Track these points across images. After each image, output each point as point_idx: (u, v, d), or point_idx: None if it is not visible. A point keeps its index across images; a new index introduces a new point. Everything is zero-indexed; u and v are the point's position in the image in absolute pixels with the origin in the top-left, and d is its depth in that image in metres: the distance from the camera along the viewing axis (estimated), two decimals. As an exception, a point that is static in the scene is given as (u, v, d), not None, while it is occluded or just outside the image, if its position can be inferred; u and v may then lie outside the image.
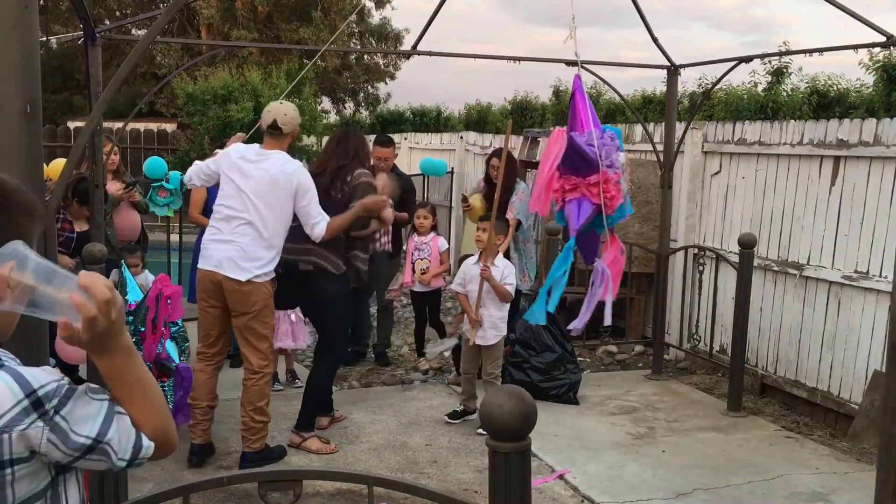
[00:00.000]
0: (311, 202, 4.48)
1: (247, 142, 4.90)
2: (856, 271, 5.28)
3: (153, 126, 17.42)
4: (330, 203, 4.74)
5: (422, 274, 6.36)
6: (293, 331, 5.80)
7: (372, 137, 6.94)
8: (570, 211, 3.88)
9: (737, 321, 5.56)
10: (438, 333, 6.68)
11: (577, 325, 4.66)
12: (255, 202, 4.37)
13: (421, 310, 6.62)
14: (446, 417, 5.26)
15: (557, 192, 3.89)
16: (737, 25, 50.63)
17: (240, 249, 4.34)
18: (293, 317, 5.83)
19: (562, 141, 3.70)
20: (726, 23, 52.10)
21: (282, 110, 4.54)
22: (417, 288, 6.44)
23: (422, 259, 6.41)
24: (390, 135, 17.35)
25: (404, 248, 6.67)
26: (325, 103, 21.52)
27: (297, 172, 4.47)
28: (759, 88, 13.13)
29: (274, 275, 4.50)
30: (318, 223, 4.48)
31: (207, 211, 5.46)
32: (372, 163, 5.71)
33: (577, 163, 3.81)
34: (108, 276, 4.95)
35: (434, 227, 6.48)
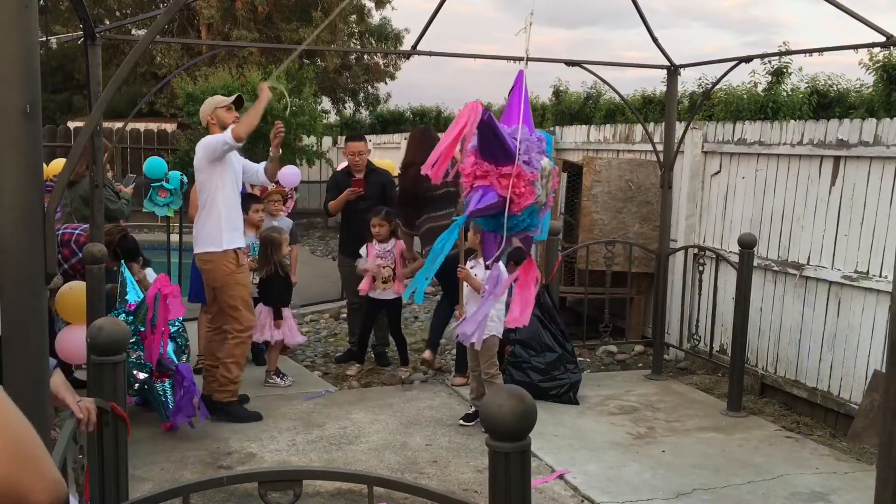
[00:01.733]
0: (214, 144, 4.97)
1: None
2: (856, 271, 5.28)
3: (153, 126, 17.43)
4: (422, 192, 5.72)
5: (383, 283, 6.21)
6: (286, 325, 6.00)
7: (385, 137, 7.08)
8: (473, 197, 3.82)
9: (737, 321, 5.56)
10: (398, 346, 6.55)
11: (463, 331, 4.84)
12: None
13: (371, 315, 6.42)
14: (461, 421, 5.21)
15: (468, 178, 3.82)
16: (737, 25, 50.41)
17: (196, 228, 5.13)
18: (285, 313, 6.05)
19: (476, 113, 3.61)
20: (727, 22, 51.92)
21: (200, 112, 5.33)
22: (374, 295, 6.25)
23: (385, 268, 6.22)
24: (389, 135, 17.38)
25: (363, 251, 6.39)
26: (325, 103, 21.51)
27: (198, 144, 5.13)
28: (759, 88, 13.12)
29: (229, 248, 5.01)
30: (227, 136, 4.90)
31: None
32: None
33: (495, 149, 3.74)
34: (108, 277, 4.97)
35: (393, 233, 6.28)
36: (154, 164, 7.91)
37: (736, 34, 51.35)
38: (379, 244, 6.30)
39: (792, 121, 6.00)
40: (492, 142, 3.63)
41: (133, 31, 18.05)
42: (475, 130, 3.51)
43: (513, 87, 4.11)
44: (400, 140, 15.13)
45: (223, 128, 5.04)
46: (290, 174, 8.06)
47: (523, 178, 3.70)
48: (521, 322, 4.12)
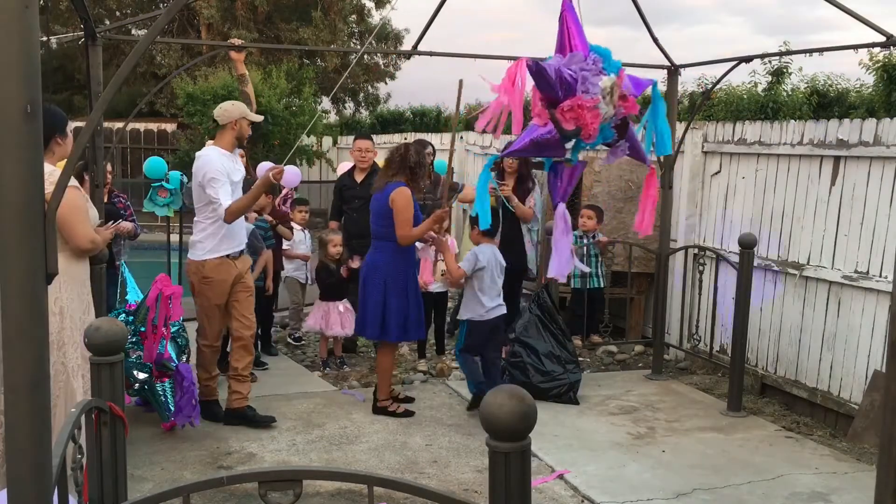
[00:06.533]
0: (210, 187, 4.77)
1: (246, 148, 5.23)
2: (856, 271, 5.28)
3: (153, 126, 17.43)
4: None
5: (442, 275, 6.26)
6: (341, 320, 6.29)
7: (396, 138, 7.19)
8: (520, 137, 3.88)
9: (737, 321, 5.56)
10: (437, 336, 6.78)
11: (555, 272, 4.48)
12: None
13: (428, 311, 6.47)
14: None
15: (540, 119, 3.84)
16: (777, 22, 48.63)
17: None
18: (341, 307, 6.31)
19: (523, 68, 3.60)
20: (767, 20, 49.93)
21: (220, 106, 5.03)
22: (432, 288, 6.29)
23: (442, 260, 6.32)
24: (390, 134, 17.37)
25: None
26: (325, 103, 21.49)
27: (199, 160, 4.91)
28: (759, 88, 13.12)
29: (210, 258, 4.86)
30: (218, 207, 4.78)
31: None
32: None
33: (553, 91, 3.73)
34: (108, 277, 5.00)
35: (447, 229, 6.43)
36: (154, 165, 7.91)
37: (773, 31, 49.45)
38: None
39: (792, 121, 6.00)
40: (545, 87, 3.61)
41: (133, 32, 18.05)
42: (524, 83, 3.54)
43: (561, 15, 4.03)
44: (399, 140, 15.13)
45: (239, 138, 4.94)
46: (291, 174, 8.06)
47: (585, 107, 3.69)
48: (644, 228, 4.21)
